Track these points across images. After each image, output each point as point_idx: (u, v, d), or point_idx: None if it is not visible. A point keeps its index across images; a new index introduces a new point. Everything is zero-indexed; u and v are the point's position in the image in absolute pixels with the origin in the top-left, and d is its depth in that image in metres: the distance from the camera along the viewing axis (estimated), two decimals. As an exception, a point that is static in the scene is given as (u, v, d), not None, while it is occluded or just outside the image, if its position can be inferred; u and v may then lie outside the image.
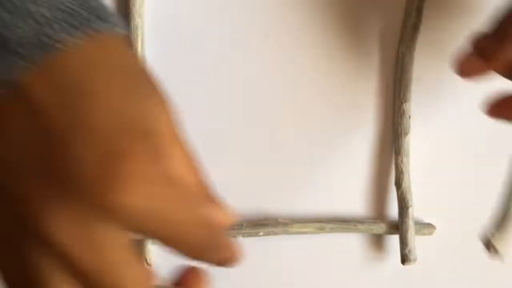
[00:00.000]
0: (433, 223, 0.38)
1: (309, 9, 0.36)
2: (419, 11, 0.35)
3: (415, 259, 0.35)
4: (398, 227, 0.36)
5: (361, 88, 0.37)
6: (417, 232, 0.37)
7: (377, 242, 0.38)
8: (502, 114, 0.31)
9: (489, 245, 0.28)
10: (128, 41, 0.26)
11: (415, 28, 0.35)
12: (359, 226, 0.37)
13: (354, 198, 0.37)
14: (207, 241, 0.26)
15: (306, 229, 0.36)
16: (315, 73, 0.36)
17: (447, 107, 0.37)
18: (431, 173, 0.37)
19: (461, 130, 0.37)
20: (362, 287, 0.38)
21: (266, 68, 0.36)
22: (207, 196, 0.27)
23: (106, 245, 0.22)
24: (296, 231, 0.36)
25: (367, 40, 0.36)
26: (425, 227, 0.37)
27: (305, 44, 0.36)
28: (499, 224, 0.29)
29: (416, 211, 0.37)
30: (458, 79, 0.32)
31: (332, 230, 0.36)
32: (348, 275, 0.38)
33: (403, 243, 0.36)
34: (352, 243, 0.38)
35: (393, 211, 0.37)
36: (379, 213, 0.38)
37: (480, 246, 0.38)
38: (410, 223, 0.36)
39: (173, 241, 0.24)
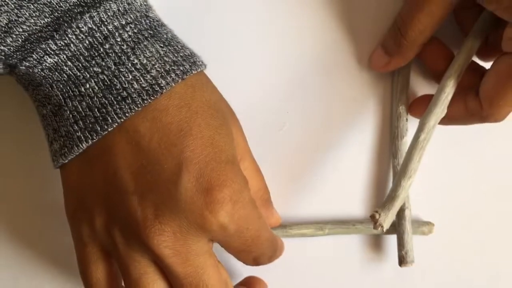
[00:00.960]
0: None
1: (306, 10, 0.36)
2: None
3: (412, 261, 0.35)
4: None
5: (358, 91, 0.37)
6: (416, 231, 0.37)
7: (376, 242, 0.38)
8: (416, 113, 0.36)
9: (373, 219, 0.32)
10: (205, 76, 0.31)
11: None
12: (358, 226, 0.37)
13: (352, 200, 0.38)
14: (272, 252, 0.33)
15: (305, 231, 0.36)
16: (314, 75, 0.36)
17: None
18: (429, 174, 0.37)
19: (458, 131, 0.37)
20: (361, 287, 0.38)
21: (266, 69, 0.36)
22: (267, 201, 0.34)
23: (196, 252, 0.28)
24: (295, 232, 0.36)
25: (364, 43, 0.36)
26: (424, 225, 0.37)
27: (303, 46, 0.36)
28: (385, 203, 0.32)
29: (414, 212, 0.37)
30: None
31: (331, 231, 0.37)
32: (348, 276, 0.38)
33: (400, 245, 0.36)
34: (352, 243, 0.38)
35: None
36: (377, 214, 0.38)
37: (480, 246, 0.38)
38: (407, 225, 0.36)
39: (247, 249, 0.30)
